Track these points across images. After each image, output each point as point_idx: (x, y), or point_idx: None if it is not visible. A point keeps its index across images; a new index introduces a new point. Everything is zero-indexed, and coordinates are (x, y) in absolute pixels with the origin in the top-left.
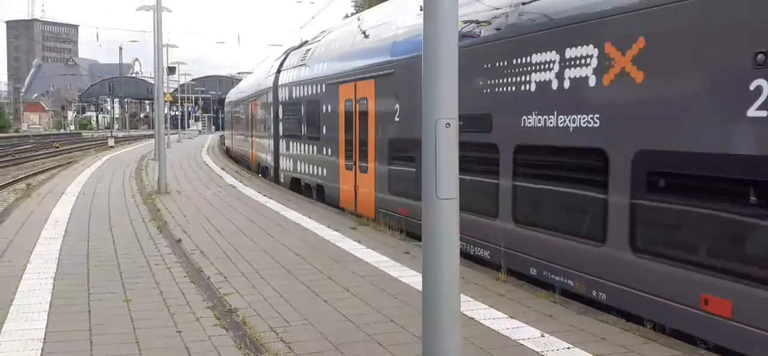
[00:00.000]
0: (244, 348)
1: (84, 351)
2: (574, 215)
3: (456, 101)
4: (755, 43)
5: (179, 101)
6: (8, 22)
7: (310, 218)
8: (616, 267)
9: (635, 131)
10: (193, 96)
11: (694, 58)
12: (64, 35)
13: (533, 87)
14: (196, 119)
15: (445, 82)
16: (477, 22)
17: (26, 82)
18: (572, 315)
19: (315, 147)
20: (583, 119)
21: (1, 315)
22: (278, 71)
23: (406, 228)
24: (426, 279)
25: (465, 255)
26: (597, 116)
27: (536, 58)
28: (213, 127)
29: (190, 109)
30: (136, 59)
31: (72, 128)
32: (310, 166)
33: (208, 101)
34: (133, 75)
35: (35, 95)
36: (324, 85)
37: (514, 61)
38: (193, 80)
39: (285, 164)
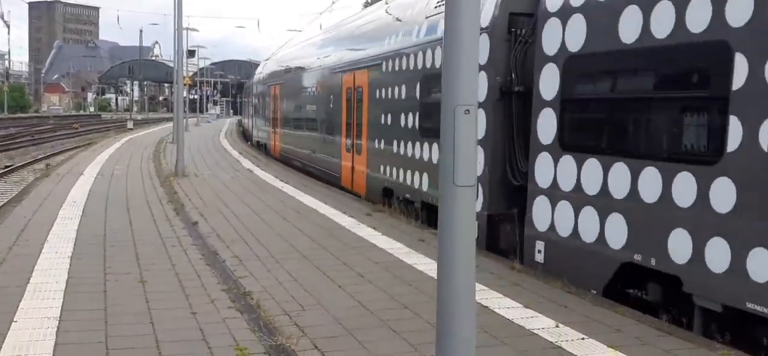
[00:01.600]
0: (258, 331)
1: (99, 331)
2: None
3: (476, 87)
4: None
5: (198, 85)
6: (30, 3)
7: (325, 203)
8: None
9: None
10: (212, 80)
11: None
12: (85, 17)
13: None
14: (215, 103)
15: (465, 68)
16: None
17: (47, 63)
18: (587, 306)
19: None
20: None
21: (18, 292)
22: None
23: None
24: (441, 267)
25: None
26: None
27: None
28: (231, 111)
29: (208, 93)
30: (156, 42)
31: (91, 109)
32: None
33: (227, 85)
34: (153, 58)
35: (55, 76)
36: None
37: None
38: (212, 64)
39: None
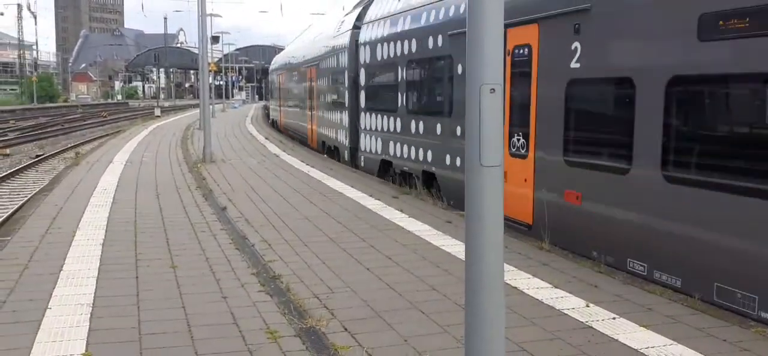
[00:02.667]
0: (288, 314)
1: (132, 316)
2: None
3: (501, 65)
4: None
5: (223, 71)
6: None
7: (352, 187)
8: None
9: None
10: (237, 66)
11: None
12: (110, 6)
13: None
14: (240, 89)
15: (489, 46)
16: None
17: (74, 52)
18: (618, 285)
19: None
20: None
21: (51, 280)
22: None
23: None
24: (469, 248)
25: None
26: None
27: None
28: (256, 97)
29: (234, 78)
30: (181, 29)
31: (119, 97)
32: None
33: (252, 71)
34: (178, 45)
35: (83, 65)
36: None
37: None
38: (236, 50)
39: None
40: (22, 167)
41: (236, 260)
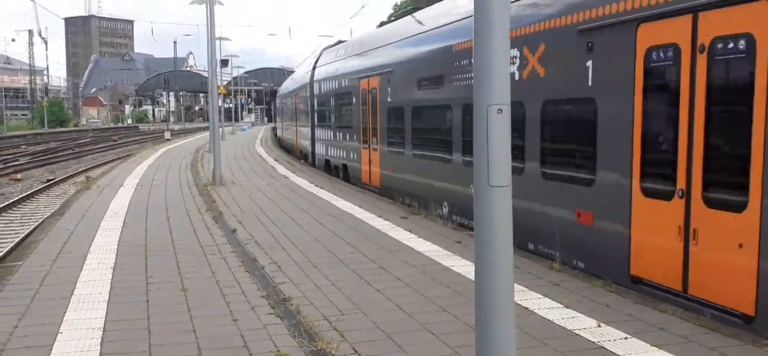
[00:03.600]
0: (298, 337)
1: (142, 340)
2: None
3: (508, 86)
4: None
5: (232, 94)
6: (66, 19)
7: (361, 207)
8: None
9: None
10: (246, 88)
11: None
12: (120, 31)
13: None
14: (250, 111)
15: (496, 67)
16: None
17: (84, 77)
18: (629, 305)
19: None
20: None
21: (63, 304)
22: None
23: None
24: (479, 268)
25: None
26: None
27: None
28: (266, 119)
29: (243, 101)
30: (190, 53)
31: (129, 121)
32: None
33: (261, 93)
34: (188, 69)
35: (93, 89)
36: None
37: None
38: (245, 72)
39: None
40: (33, 192)
41: (246, 283)
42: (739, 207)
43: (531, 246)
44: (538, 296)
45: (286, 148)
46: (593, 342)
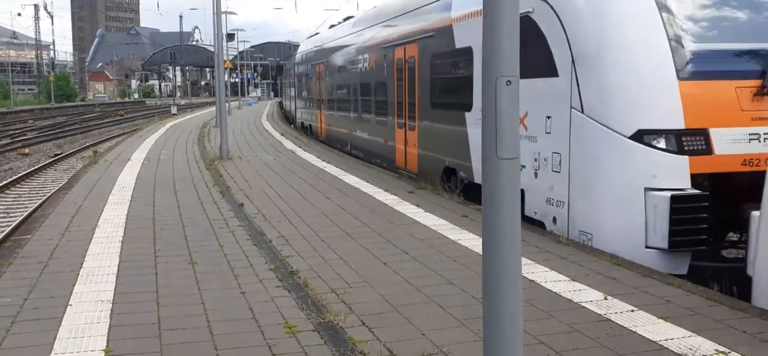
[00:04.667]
0: (306, 309)
1: (151, 312)
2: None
3: (517, 57)
4: None
5: (238, 68)
6: None
7: (368, 182)
8: None
9: None
10: (252, 63)
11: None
12: (126, 5)
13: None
14: (256, 86)
15: (506, 38)
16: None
17: (90, 52)
18: (637, 278)
19: None
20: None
21: (71, 277)
22: None
23: None
24: (486, 241)
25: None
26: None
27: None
28: (272, 93)
29: (249, 76)
30: (196, 27)
31: (136, 96)
32: None
33: (267, 68)
34: (194, 43)
35: (99, 64)
36: None
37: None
38: (251, 47)
39: None
40: (41, 166)
41: (254, 256)
42: (413, 128)
43: (375, 161)
44: (545, 269)
45: (289, 117)
46: (600, 315)
